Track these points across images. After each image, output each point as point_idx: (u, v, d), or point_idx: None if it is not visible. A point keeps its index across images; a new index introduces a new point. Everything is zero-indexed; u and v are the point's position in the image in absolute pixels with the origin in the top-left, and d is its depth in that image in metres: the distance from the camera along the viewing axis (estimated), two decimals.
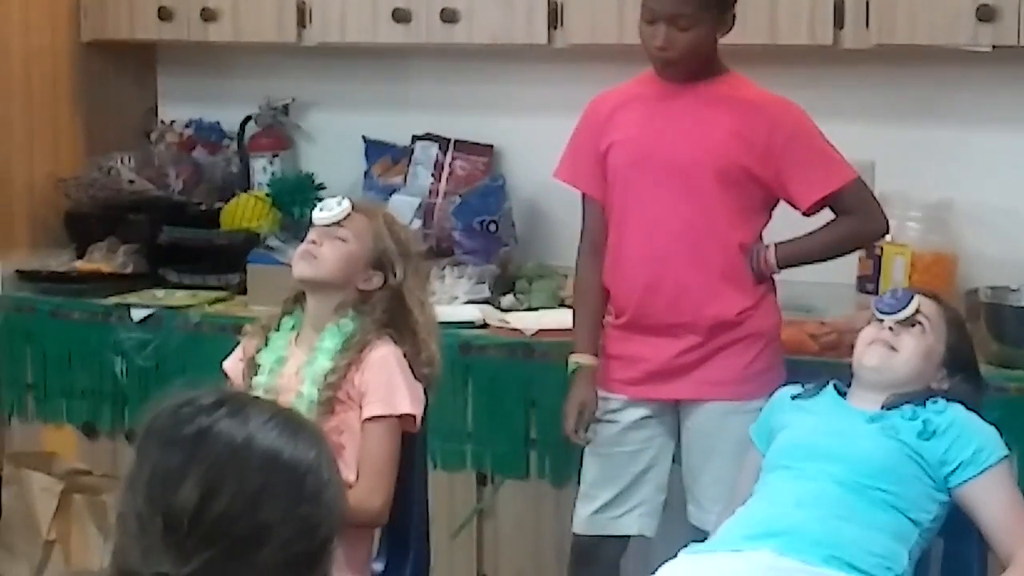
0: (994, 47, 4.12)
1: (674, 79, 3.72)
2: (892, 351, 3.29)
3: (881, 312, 3.34)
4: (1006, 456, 3.21)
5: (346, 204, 3.49)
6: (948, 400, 3.27)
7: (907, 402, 3.25)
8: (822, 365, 3.80)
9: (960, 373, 3.36)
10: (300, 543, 1.70)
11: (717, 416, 3.72)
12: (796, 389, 3.47)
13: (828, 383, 3.42)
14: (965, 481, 3.16)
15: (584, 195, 3.91)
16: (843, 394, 3.40)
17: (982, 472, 3.16)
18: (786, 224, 3.80)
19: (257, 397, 1.85)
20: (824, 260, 3.85)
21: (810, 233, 3.78)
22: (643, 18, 3.67)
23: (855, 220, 3.75)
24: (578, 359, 3.85)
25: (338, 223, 3.46)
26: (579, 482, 3.94)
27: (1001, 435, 3.23)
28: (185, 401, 1.72)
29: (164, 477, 1.67)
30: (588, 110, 3.89)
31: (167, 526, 1.65)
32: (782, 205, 3.76)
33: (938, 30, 4.15)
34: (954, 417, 3.22)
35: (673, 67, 3.70)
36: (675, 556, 3.20)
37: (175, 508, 1.65)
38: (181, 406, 1.72)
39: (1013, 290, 4.18)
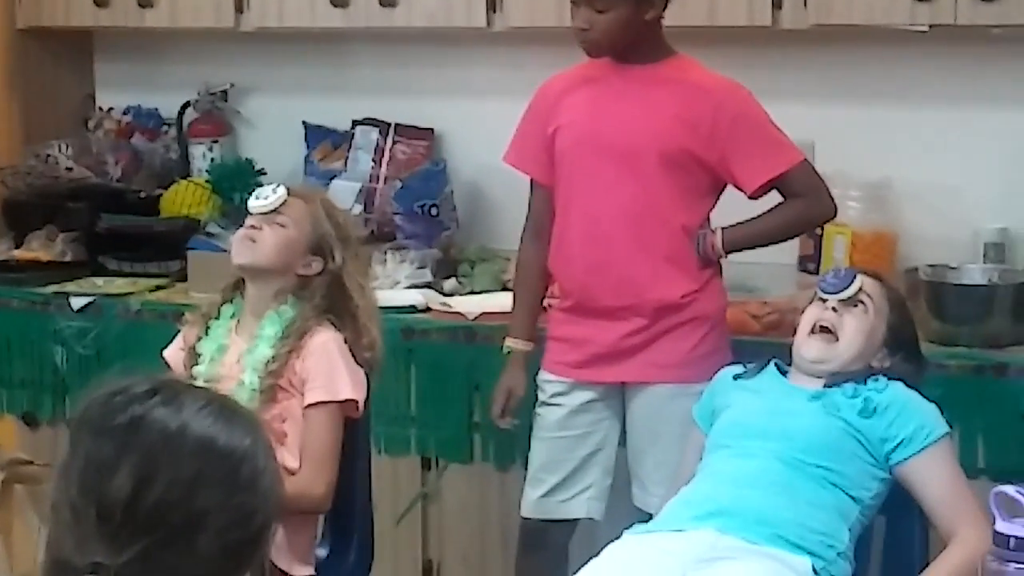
0: (931, 26, 4.14)
1: (602, 58, 3.72)
2: (832, 341, 3.30)
3: (824, 291, 3.35)
4: (947, 433, 3.22)
5: (281, 191, 3.47)
6: (889, 378, 3.28)
7: (848, 380, 3.26)
8: (764, 345, 3.81)
9: (901, 352, 3.37)
10: (236, 531, 1.69)
11: (662, 399, 3.72)
12: (738, 369, 3.48)
13: (769, 362, 3.44)
14: (906, 458, 3.18)
15: (531, 179, 3.90)
16: (785, 373, 3.41)
17: (923, 449, 3.17)
18: (737, 207, 3.80)
19: (191, 384, 1.84)
20: (772, 243, 3.85)
21: (757, 217, 3.78)
22: (571, 0, 3.68)
23: (802, 203, 3.75)
24: (512, 343, 3.87)
25: (276, 209, 3.44)
26: (525, 466, 3.94)
27: (942, 412, 3.25)
28: (118, 389, 1.71)
29: (97, 466, 1.66)
30: (537, 94, 3.89)
31: (101, 516, 1.64)
32: (730, 188, 3.76)
33: (876, 10, 4.16)
34: (895, 395, 3.23)
35: (595, 48, 3.70)
36: (619, 537, 3.20)
37: (109, 497, 1.64)
38: (114, 394, 1.70)
39: (952, 268, 4.20)
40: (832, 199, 3.78)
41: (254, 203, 3.47)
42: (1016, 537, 2.38)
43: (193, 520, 1.66)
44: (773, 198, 3.77)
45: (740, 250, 3.78)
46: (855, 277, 3.34)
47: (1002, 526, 2.40)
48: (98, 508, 1.64)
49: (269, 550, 1.78)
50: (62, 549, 1.66)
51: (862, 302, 3.33)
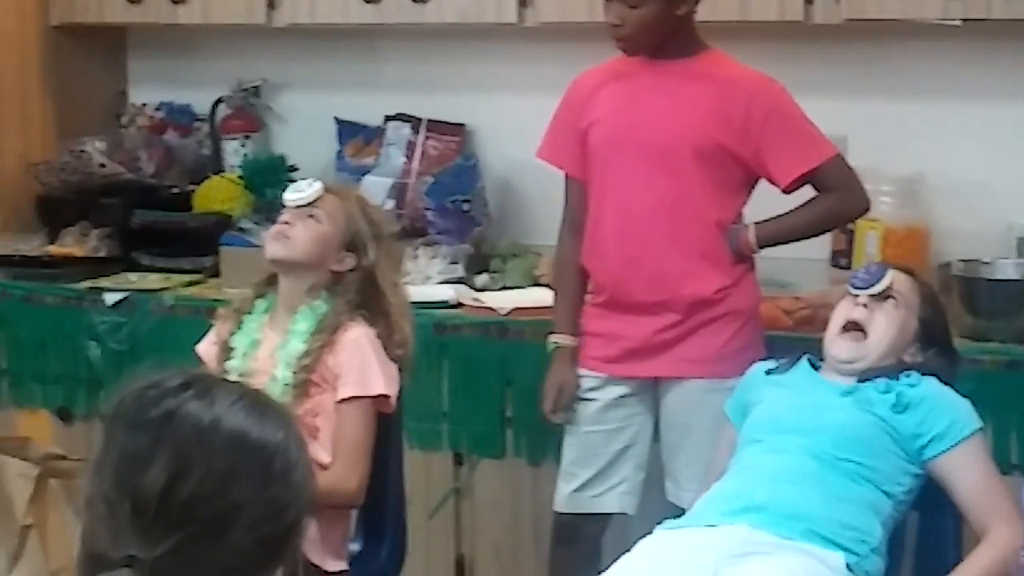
0: (964, 21, 4.13)
1: (636, 54, 3.72)
2: (862, 339, 3.29)
3: (855, 287, 3.34)
4: (980, 429, 3.22)
5: (317, 185, 3.48)
6: (922, 374, 3.28)
7: (881, 375, 3.26)
8: (796, 340, 3.80)
9: (934, 347, 3.37)
10: (269, 524, 1.69)
11: (695, 394, 3.72)
12: (770, 364, 3.48)
13: (802, 357, 3.43)
14: (939, 454, 3.18)
15: (566, 175, 3.90)
16: (817, 368, 3.41)
17: (956, 445, 3.17)
18: (768, 202, 3.80)
19: (224, 379, 1.84)
20: (804, 238, 3.84)
21: (790, 211, 3.77)
22: None
23: (835, 197, 3.74)
24: (557, 339, 3.86)
25: (310, 204, 3.45)
26: (557, 460, 3.94)
27: (975, 408, 3.25)
28: (151, 384, 1.72)
29: (131, 460, 1.67)
30: (570, 89, 3.89)
31: (135, 509, 1.65)
32: (763, 183, 3.76)
33: (908, 4, 4.16)
34: (927, 390, 3.23)
35: (627, 44, 3.70)
36: (651, 532, 3.20)
37: (143, 491, 1.65)
38: (147, 389, 1.71)
39: (985, 263, 4.18)
40: (865, 193, 3.77)
41: (290, 196, 3.48)
42: None
43: (226, 513, 1.67)
44: (805, 193, 3.77)
45: (773, 245, 3.77)
46: (885, 272, 3.34)
47: None
48: (132, 501, 1.65)
49: (302, 544, 1.79)
50: (96, 542, 1.67)
51: (893, 297, 3.33)
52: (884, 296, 3.32)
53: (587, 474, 3.83)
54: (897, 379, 3.25)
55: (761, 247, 3.75)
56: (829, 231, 4.15)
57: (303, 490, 1.74)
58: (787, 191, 3.73)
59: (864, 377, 3.27)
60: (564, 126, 3.86)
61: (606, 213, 3.76)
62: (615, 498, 3.84)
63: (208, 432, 1.68)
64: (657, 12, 3.63)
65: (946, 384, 3.27)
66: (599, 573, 3.13)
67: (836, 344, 3.33)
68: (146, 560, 1.65)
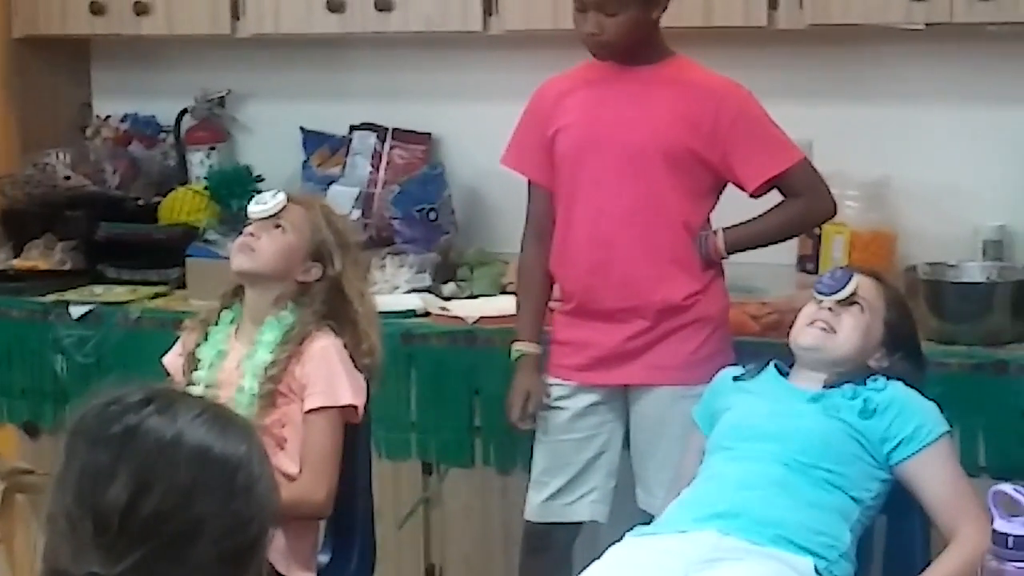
0: (927, 24, 4.14)
1: (611, 61, 3.72)
2: (830, 332, 3.30)
3: (820, 293, 3.34)
4: (947, 432, 3.22)
5: (281, 197, 3.47)
6: (888, 378, 3.28)
7: (848, 381, 3.26)
8: (764, 345, 3.80)
9: (900, 351, 3.37)
10: (233, 539, 1.68)
11: (665, 401, 3.72)
12: (737, 370, 3.48)
13: (769, 363, 3.43)
14: (906, 458, 3.18)
15: (530, 181, 3.90)
16: (785, 374, 3.41)
17: (923, 448, 3.17)
18: (735, 208, 3.80)
19: (185, 393, 1.83)
20: (773, 243, 3.85)
21: (758, 217, 3.78)
22: (574, 7, 3.68)
23: (803, 202, 3.76)
24: (521, 347, 3.85)
25: (275, 215, 3.44)
26: (526, 469, 3.94)
27: (942, 411, 3.25)
28: (113, 399, 1.71)
29: (93, 476, 1.66)
30: (535, 96, 3.88)
31: (97, 525, 1.64)
32: (730, 188, 3.76)
33: (871, 9, 4.16)
34: (894, 395, 3.23)
35: (607, 50, 3.70)
36: (621, 539, 3.20)
37: (105, 507, 1.64)
38: (108, 404, 1.70)
39: (951, 266, 4.20)
40: (832, 197, 3.79)
41: (254, 208, 3.47)
42: (1015, 536, 2.37)
43: (190, 528, 1.66)
44: (772, 199, 3.77)
45: (742, 250, 3.78)
46: (851, 278, 3.33)
47: (1000, 525, 2.40)
48: (94, 518, 1.64)
49: (267, 557, 1.78)
50: (59, 559, 1.66)
51: (858, 303, 3.33)
52: (849, 302, 3.32)
53: (558, 483, 3.83)
54: (864, 384, 3.25)
55: (730, 252, 3.76)
56: (797, 236, 4.16)
57: (267, 503, 1.73)
58: (754, 195, 3.74)
59: (830, 383, 3.27)
60: (529, 133, 3.85)
61: (575, 219, 3.76)
62: (586, 506, 3.83)
63: (170, 447, 1.67)
64: (635, 17, 3.64)
65: (913, 388, 3.28)
66: None
67: (803, 333, 3.33)
68: None
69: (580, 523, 3.85)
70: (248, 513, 1.70)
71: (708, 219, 3.78)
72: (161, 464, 1.66)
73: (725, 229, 3.75)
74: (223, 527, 1.68)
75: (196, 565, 1.66)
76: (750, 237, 3.78)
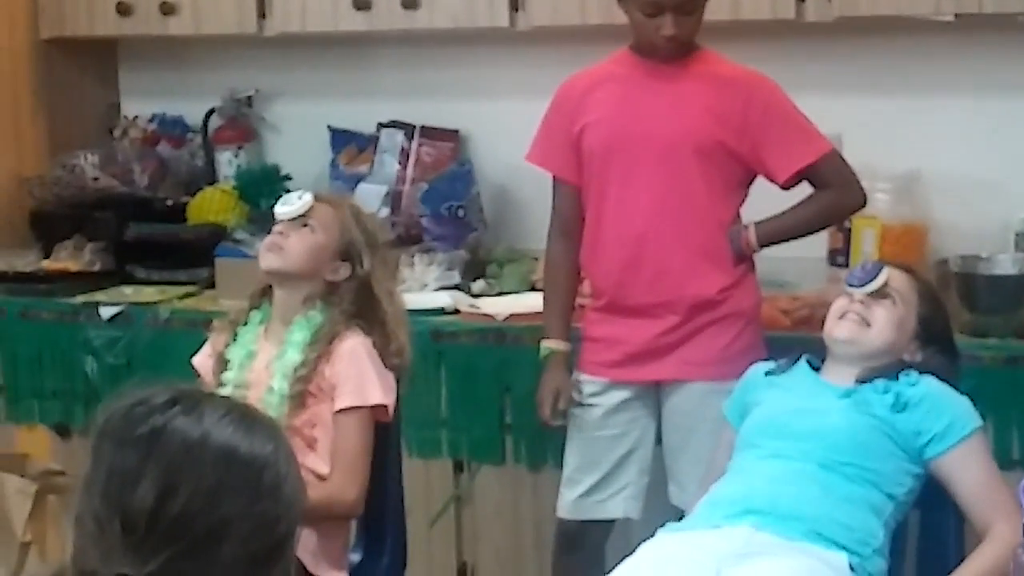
0: (957, 16, 4.13)
1: (674, 60, 3.70)
2: (864, 325, 3.28)
3: (851, 285, 3.33)
4: (980, 427, 3.20)
5: (307, 197, 3.47)
6: (921, 372, 3.26)
7: (880, 376, 3.24)
8: (795, 340, 3.78)
9: (934, 345, 3.35)
10: (260, 539, 1.68)
11: (697, 396, 3.71)
12: (769, 365, 3.47)
13: (800, 357, 3.42)
14: (940, 453, 3.16)
15: (555, 178, 3.89)
16: (816, 368, 3.39)
17: (956, 444, 3.16)
18: (763, 202, 3.79)
19: (212, 393, 1.83)
20: (804, 236, 3.84)
21: (788, 209, 3.77)
22: (642, 11, 3.64)
23: (833, 193, 3.75)
24: (550, 345, 3.85)
25: (303, 215, 3.44)
26: (557, 466, 3.94)
27: (975, 405, 3.23)
28: (139, 400, 1.71)
29: (120, 478, 1.66)
30: (559, 92, 3.87)
31: (125, 527, 1.64)
32: (759, 183, 3.75)
33: (900, 1, 4.15)
34: (927, 389, 3.21)
35: (682, 50, 3.70)
36: (653, 536, 3.19)
37: (132, 508, 1.64)
38: (135, 406, 1.70)
39: (983, 259, 4.18)
40: (862, 188, 3.78)
41: (280, 209, 3.47)
42: None
43: (217, 529, 1.66)
44: (802, 191, 3.76)
45: (774, 244, 3.77)
46: (882, 270, 3.32)
47: None
48: (122, 519, 1.64)
49: (294, 556, 1.77)
50: (87, 561, 1.66)
51: (890, 295, 3.31)
52: (881, 294, 3.31)
53: (591, 480, 3.82)
54: (896, 379, 3.24)
55: (762, 246, 3.75)
56: (828, 227, 4.14)
57: (294, 503, 1.73)
58: (785, 187, 3.73)
59: (863, 378, 3.26)
60: (554, 130, 3.84)
61: (605, 215, 3.75)
62: (619, 503, 3.83)
63: (197, 448, 1.67)
64: (702, 12, 3.66)
65: (948, 382, 3.26)
66: None
67: (838, 326, 3.31)
68: None
69: (613, 520, 3.85)
70: (275, 513, 1.70)
71: (739, 213, 3.77)
72: (188, 465, 1.66)
73: (756, 223, 3.74)
74: (250, 527, 1.68)
75: (224, 565, 1.65)
76: (782, 230, 3.77)
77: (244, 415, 1.73)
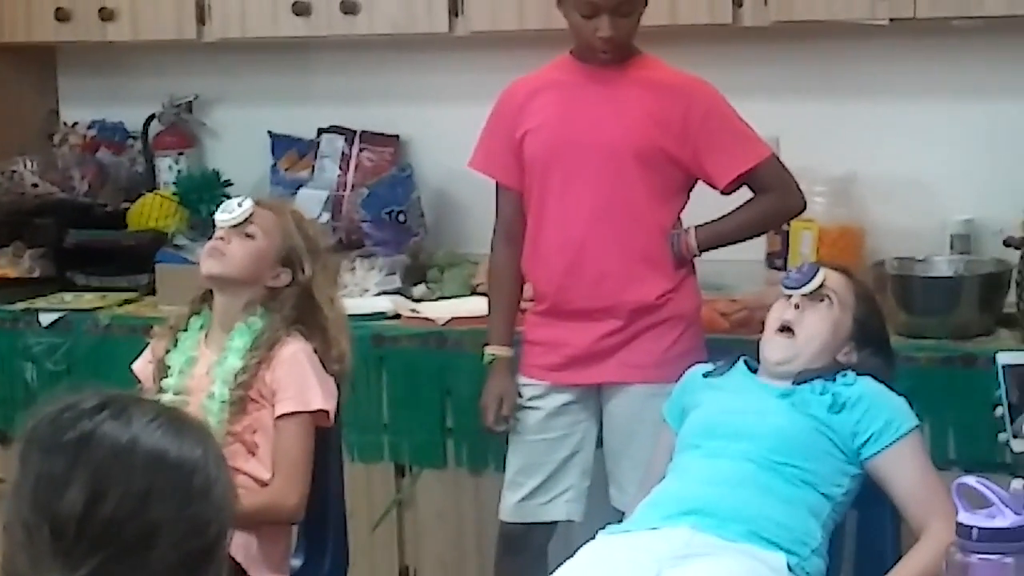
0: (891, 20, 4.16)
1: (614, 65, 3.72)
2: (792, 339, 3.30)
3: (787, 287, 3.35)
4: (916, 426, 3.22)
5: (247, 204, 3.47)
6: (858, 373, 3.29)
7: (817, 377, 3.27)
8: (733, 342, 3.81)
9: (869, 346, 3.38)
10: (191, 542, 1.68)
11: (638, 399, 3.73)
12: (707, 367, 3.49)
13: (739, 359, 3.44)
14: (876, 453, 3.18)
15: (498, 184, 3.90)
16: (754, 370, 3.41)
17: (893, 443, 3.18)
18: (704, 206, 3.82)
19: (141, 398, 1.82)
20: (744, 240, 3.87)
21: (728, 214, 3.80)
22: (579, 12, 3.66)
23: (773, 197, 3.78)
24: (493, 351, 3.86)
25: (243, 223, 3.44)
26: (499, 469, 3.95)
27: (911, 405, 3.26)
28: (66, 406, 1.70)
29: (48, 484, 1.65)
30: (502, 98, 3.88)
31: (54, 533, 1.63)
32: (700, 187, 3.77)
33: (836, 5, 4.18)
34: (863, 390, 3.24)
35: (619, 52, 3.71)
36: (594, 538, 3.21)
37: (61, 514, 1.63)
38: (63, 411, 1.69)
39: (919, 260, 4.22)
40: (801, 193, 3.80)
41: (220, 217, 3.47)
42: (979, 528, 2.38)
43: (147, 533, 1.65)
44: (742, 196, 3.79)
45: (714, 247, 3.79)
46: (817, 271, 3.34)
47: (965, 517, 2.40)
48: (51, 525, 1.64)
49: (226, 559, 1.78)
50: (17, 568, 1.65)
51: (827, 296, 3.34)
52: (819, 296, 3.33)
53: (533, 483, 3.83)
54: (833, 380, 3.26)
55: (702, 250, 3.77)
56: (767, 231, 4.17)
57: (224, 506, 1.73)
58: (725, 192, 3.76)
59: (800, 379, 3.28)
60: (497, 135, 3.85)
61: (546, 221, 3.77)
62: (561, 506, 3.84)
63: (126, 452, 1.67)
64: (639, 15, 3.68)
65: (883, 383, 3.28)
66: None
67: (769, 344, 3.34)
68: None
69: (555, 523, 3.86)
70: (206, 516, 1.69)
71: (679, 218, 3.79)
72: (117, 470, 1.65)
73: (697, 227, 3.76)
74: (182, 531, 1.67)
75: (155, 569, 1.65)
76: (722, 234, 3.79)
77: (173, 419, 1.73)
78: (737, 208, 3.80)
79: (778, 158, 3.80)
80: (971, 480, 2.44)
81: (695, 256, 3.78)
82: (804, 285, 3.33)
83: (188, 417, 1.78)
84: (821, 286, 3.33)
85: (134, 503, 1.65)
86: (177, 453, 1.69)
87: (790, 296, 3.34)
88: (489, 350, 3.86)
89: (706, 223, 3.78)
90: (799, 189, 3.79)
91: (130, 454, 1.66)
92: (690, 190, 3.80)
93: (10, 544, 1.66)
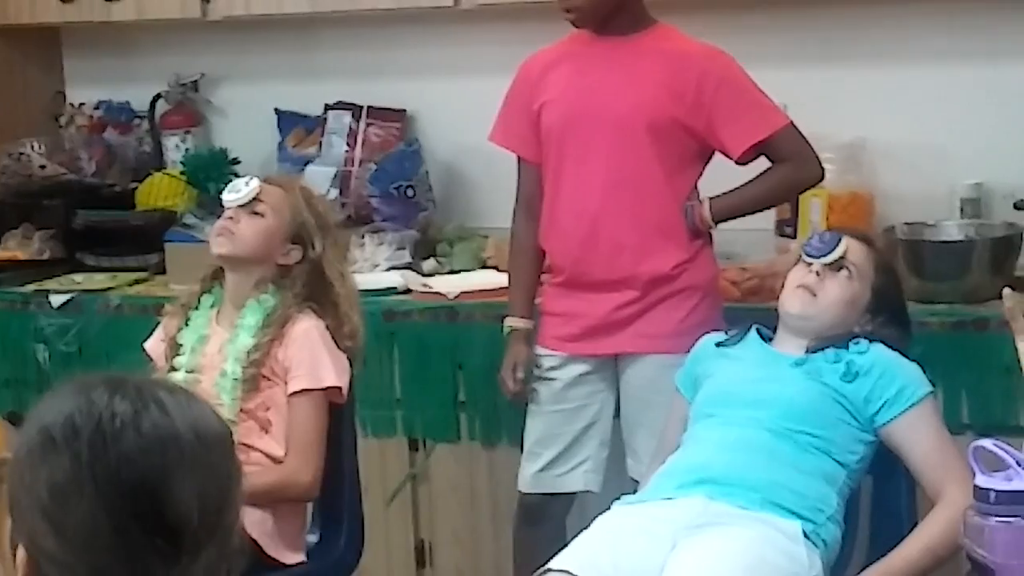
0: None
1: (589, 29, 3.71)
2: (814, 298, 3.30)
3: (808, 255, 3.33)
4: (930, 392, 3.23)
5: (254, 183, 3.47)
6: (871, 340, 3.28)
7: (830, 345, 3.27)
8: (745, 311, 3.81)
9: (884, 314, 3.36)
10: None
11: (654, 369, 3.72)
12: (720, 336, 3.48)
13: (751, 328, 3.44)
14: (891, 420, 3.18)
15: (518, 157, 3.89)
16: (767, 339, 3.41)
17: (907, 410, 3.18)
18: (724, 176, 3.80)
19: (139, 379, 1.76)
20: (760, 210, 3.86)
21: (744, 184, 3.77)
22: None
23: (790, 167, 3.74)
24: (512, 322, 3.86)
25: (251, 201, 3.44)
26: (512, 442, 3.95)
27: (924, 371, 3.26)
28: (87, 408, 1.64)
29: (130, 487, 1.61)
30: (520, 71, 3.87)
31: (156, 532, 1.60)
32: (717, 158, 3.76)
33: None
34: (877, 357, 3.23)
35: (581, 20, 3.70)
36: (609, 508, 3.21)
37: (164, 515, 1.59)
38: (90, 415, 1.63)
39: (929, 225, 4.21)
40: (819, 161, 3.76)
41: (228, 197, 3.47)
42: (996, 491, 2.38)
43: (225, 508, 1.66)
44: (759, 166, 3.77)
45: (730, 219, 3.77)
46: (839, 241, 3.33)
47: (982, 480, 2.41)
48: (148, 525, 1.60)
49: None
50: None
51: (846, 267, 3.32)
52: (837, 266, 3.32)
53: (551, 454, 3.83)
54: (846, 347, 3.26)
55: (717, 221, 3.75)
56: (784, 202, 4.15)
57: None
58: (740, 162, 3.73)
59: (814, 348, 3.28)
60: (515, 109, 3.85)
61: (562, 193, 3.76)
62: (580, 476, 3.84)
63: (175, 438, 1.64)
64: None
65: (898, 351, 3.28)
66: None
67: (790, 298, 3.33)
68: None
69: (574, 493, 3.86)
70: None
71: (696, 188, 3.77)
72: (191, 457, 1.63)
73: (712, 198, 3.75)
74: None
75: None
76: (737, 205, 3.77)
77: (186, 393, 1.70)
78: (753, 178, 3.77)
79: (796, 127, 3.75)
80: (988, 443, 2.45)
81: (710, 227, 3.77)
82: (826, 255, 3.31)
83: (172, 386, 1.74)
84: (842, 256, 3.31)
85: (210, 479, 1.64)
86: (214, 422, 1.68)
87: (810, 264, 3.33)
88: (508, 322, 3.86)
89: (721, 194, 3.76)
90: (816, 158, 3.75)
91: (180, 438, 1.63)
92: (707, 161, 3.77)
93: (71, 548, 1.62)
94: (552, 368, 3.82)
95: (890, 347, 3.27)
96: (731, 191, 3.77)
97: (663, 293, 3.72)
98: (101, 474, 1.59)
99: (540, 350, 3.84)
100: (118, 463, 1.59)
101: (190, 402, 1.68)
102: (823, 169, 3.78)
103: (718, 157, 3.75)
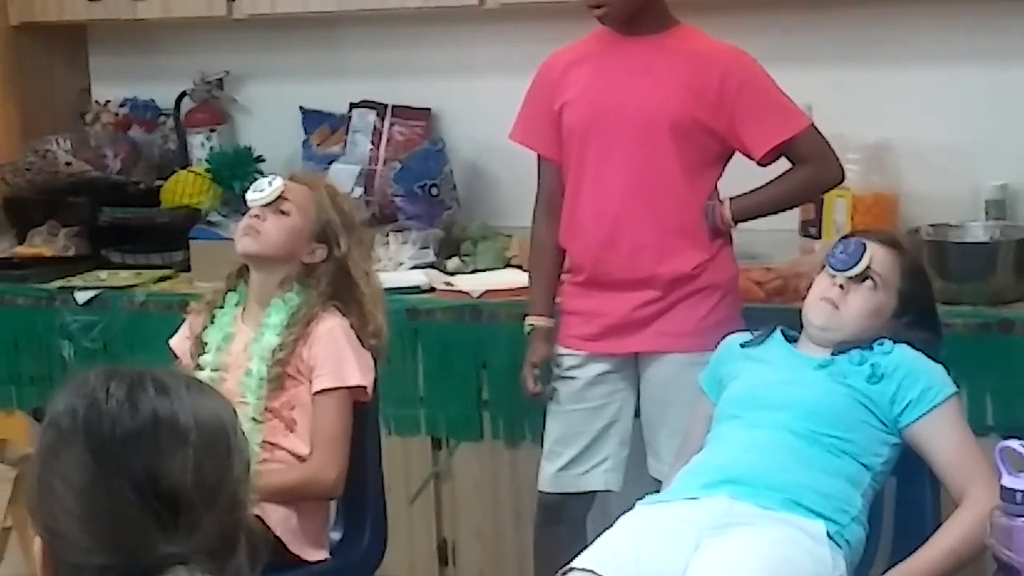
0: None
1: (617, 29, 3.71)
2: (837, 311, 3.29)
3: (832, 268, 3.31)
4: (954, 393, 3.21)
5: (278, 183, 3.47)
6: (896, 341, 3.27)
7: (854, 347, 3.26)
8: (769, 312, 3.81)
9: (913, 317, 3.33)
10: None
11: (675, 368, 3.72)
12: (744, 337, 3.48)
13: (775, 329, 3.43)
14: (915, 421, 3.17)
15: (539, 156, 3.89)
16: (791, 340, 3.41)
17: (931, 410, 3.17)
18: (745, 176, 3.80)
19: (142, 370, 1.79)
20: (780, 211, 3.85)
21: (765, 184, 3.76)
22: None
23: (810, 168, 3.73)
24: (533, 321, 3.86)
25: (275, 200, 3.44)
26: (535, 441, 3.95)
27: (949, 372, 3.24)
28: (102, 394, 1.70)
29: (141, 468, 1.65)
30: (541, 70, 3.87)
31: (167, 508, 1.64)
32: (738, 157, 3.75)
33: None
34: (901, 358, 3.22)
35: (610, 17, 3.69)
36: (632, 508, 3.21)
37: (173, 491, 1.65)
38: (109, 401, 1.69)
39: (954, 226, 4.20)
40: (839, 163, 3.75)
41: (252, 196, 3.48)
42: (1023, 491, 2.38)
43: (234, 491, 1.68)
44: (780, 166, 3.77)
45: (749, 219, 3.77)
46: (863, 253, 3.29)
47: (1008, 480, 2.40)
48: (160, 503, 1.64)
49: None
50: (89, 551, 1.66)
51: (871, 278, 3.30)
52: (862, 277, 3.30)
53: (571, 453, 3.83)
54: (871, 348, 3.25)
55: (737, 221, 3.74)
56: (805, 203, 4.14)
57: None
58: (762, 163, 3.72)
59: (838, 349, 3.28)
60: (536, 107, 3.84)
61: (583, 192, 3.76)
62: (600, 476, 3.84)
63: (186, 427, 1.68)
64: None
65: (925, 353, 3.26)
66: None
67: (812, 308, 3.32)
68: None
69: (594, 493, 3.86)
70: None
71: (716, 188, 3.77)
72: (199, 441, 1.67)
73: (732, 198, 3.74)
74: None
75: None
76: (758, 205, 3.77)
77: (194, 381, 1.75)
78: (774, 179, 3.76)
79: (817, 129, 3.75)
80: (1015, 444, 2.44)
81: (730, 227, 3.76)
82: (850, 268, 3.29)
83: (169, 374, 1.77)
84: (867, 268, 3.30)
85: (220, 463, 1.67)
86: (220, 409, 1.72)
87: (834, 276, 3.31)
88: (529, 320, 3.86)
89: (742, 194, 3.76)
90: (837, 160, 3.74)
91: (188, 426, 1.68)
92: (727, 161, 3.77)
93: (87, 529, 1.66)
94: (572, 367, 3.82)
95: (917, 349, 3.26)
96: (751, 192, 3.76)
97: (683, 292, 3.72)
98: (99, 448, 1.67)
99: (560, 349, 3.84)
100: (112, 433, 1.67)
101: (188, 384, 1.72)
102: (843, 171, 3.78)
103: (738, 157, 3.75)
